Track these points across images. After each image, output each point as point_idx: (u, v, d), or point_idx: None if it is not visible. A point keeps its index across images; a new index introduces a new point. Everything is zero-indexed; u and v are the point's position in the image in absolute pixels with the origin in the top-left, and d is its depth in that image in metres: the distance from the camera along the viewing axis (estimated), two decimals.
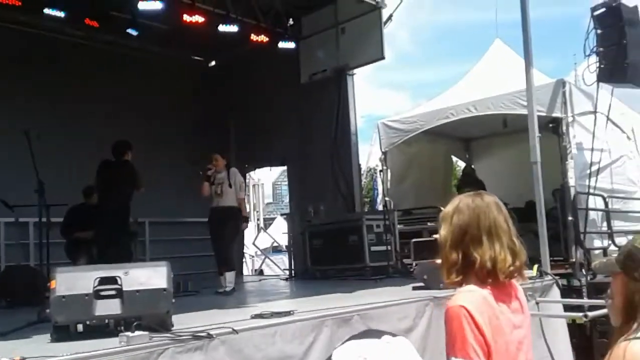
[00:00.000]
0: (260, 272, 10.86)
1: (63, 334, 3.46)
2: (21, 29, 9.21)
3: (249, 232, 12.74)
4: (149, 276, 3.64)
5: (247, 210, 7.08)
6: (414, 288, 5.50)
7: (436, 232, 2.17)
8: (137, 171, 6.54)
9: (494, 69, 9.52)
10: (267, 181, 36.63)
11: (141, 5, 8.55)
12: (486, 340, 1.79)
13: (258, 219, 31.80)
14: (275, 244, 13.26)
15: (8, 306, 5.88)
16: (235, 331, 3.49)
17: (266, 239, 13.57)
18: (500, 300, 1.90)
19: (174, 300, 3.64)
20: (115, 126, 9.88)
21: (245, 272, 11.18)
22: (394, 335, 1.90)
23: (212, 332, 3.38)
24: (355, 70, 9.68)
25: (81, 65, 9.78)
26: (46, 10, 8.69)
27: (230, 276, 6.75)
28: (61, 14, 8.82)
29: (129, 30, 9.46)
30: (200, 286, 7.09)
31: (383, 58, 9.12)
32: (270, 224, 22.81)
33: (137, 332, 3.26)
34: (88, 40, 10.06)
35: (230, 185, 6.79)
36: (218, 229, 6.80)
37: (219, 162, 6.94)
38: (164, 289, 3.58)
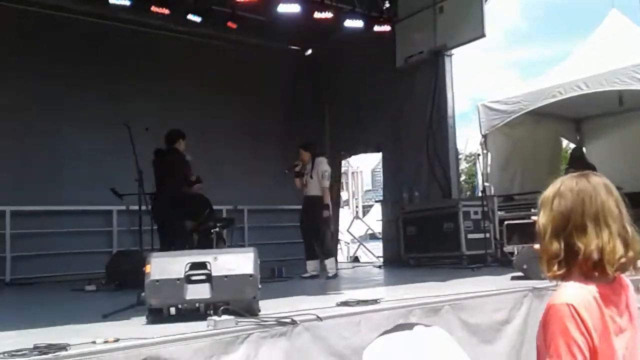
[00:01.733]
0: (355, 259, 10.84)
1: (157, 316, 3.63)
2: (126, 27, 9.72)
3: (345, 219, 12.79)
4: (237, 262, 3.71)
5: (329, 198, 7.20)
6: (513, 278, 5.23)
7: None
8: (184, 159, 6.52)
9: (608, 42, 8.77)
10: (366, 168, 36.58)
11: None
12: (594, 344, 1.57)
13: (357, 206, 31.96)
14: (370, 231, 13.18)
15: (117, 288, 6.29)
16: (319, 318, 3.48)
17: (363, 226, 13.54)
18: (608, 299, 1.64)
19: (260, 286, 3.69)
20: (214, 118, 10.30)
21: (340, 258, 11.22)
22: (427, 326, 1.73)
23: (296, 319, 3.40)
24: (454, 51, 9.29)
25: (183, 59, 10.20)
26: (153, 8, 9.08)
27: (331, 262, 7.04)
28: (166, 11, 9.19)
29: (229, 24, 9.72)
30: (294, 272, 7.19)
31: (484, 36, 8.65)
32: (368, 211, 22.76)
33: (223, 317, 3.35)
34: (190, 35, 10.46)
35: (312, 176, 7.06)
36: (304, 217, 7.21)
37: (303, 155, 7.26)
38: (251, 275, 3.64)
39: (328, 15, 9.17)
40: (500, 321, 4.17)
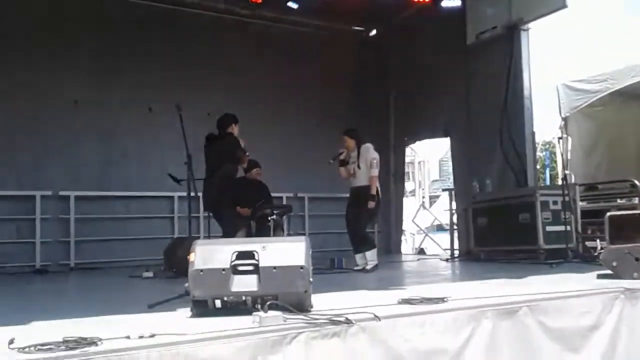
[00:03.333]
0: (420, 251, 10.32)
1: (202, 308, 3.35)
2: (189, 10, 9.60)
3: (410, 210, 12.28)
4: (287, 252, 3.37)
5: (377, 188, 6.66)
6: (599, 276, 4.65)
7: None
8: (238, 144, 6.20)
9: None
10: (434, 158, 35.55)
11: None
12: None
13: (423, 197, 31.13)
14: (437, 222, 12.59)
15: (174, 276, 6.13)
16: (377, 318, 3.09)
17: (430, 217, 12.98)
18: None
19: (311, 279, 3.33)
20: (276, 103, 10.06)
21: (405, 250, 10.76)
22: None
23: (352, 318, 3.02)
24: (531, 25, 8.53)
25: (245, 43, 9.98)
26: None
27: (371, 254, 6.58)
28: None
29: (290, 4, 9.44)
30: (354, 264, 6.81)
31: (565, 7, 7.84)
32: (435, 202, 22.05)
33: (270, 312, 3.02)
34: (251, 18, 10.25)
35: (359, 166, 6.61)
36: (350, 208, 6.74)
37: (348, 142, 6.80)
38: (302, 267, 3.28)
39: None
40: (587, 326, 3.63)
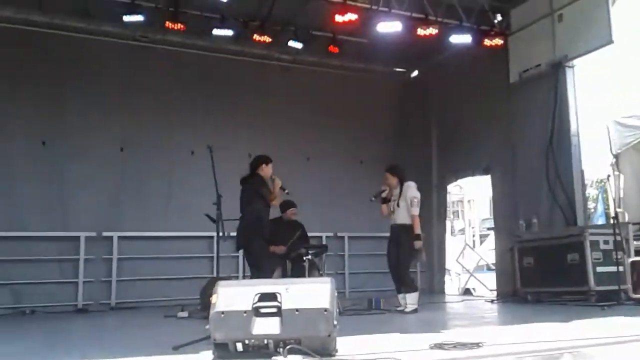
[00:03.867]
0: (466, 292, 9.93)
1: (224, 351, 3.28)
2: (230, 57, 9.84)
3: (455, 249, 11.90)
4: (311, 294, 3.27)
5: (419, 227, 6.59)
6: None
7: None
8: (264, 183, 6.20)
9: None
10: (485, 196, 34.74)
11: (338, 18, 8.44)
12: None
13: (473, 235, 30.29)
14: (482, 262, 12.14)
15: (208, 316, 6.06)
16: None
17: (476, 256, 12.54)
18: None
19: (336, 323, 3.20)
20: (319, 143, 10.10)
21: (451, 290, 10.38)
22: None
23: None
24: (575, 62, 8.30)
25: (287, 87, 10.12)
26: (255, 37, 9.10)
27: (411, 298, 6.44)
28: (267, 39, 9.17)
29: (330, 48, 9.54)
30: (394, 305, 6.59)
31: (611, 42, 7.60)
32: (484, 241, 21.38)
33: (290, 357, 2.92)
34: (293, 63, 10.41)
35: (398, 204, 6.55)
36: (391, 247, 6.66)
37: (389, 180, 6.79)
38: (325, 309, 3.17)
39: (432, 31, 8.60)
40: None
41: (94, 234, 8.45)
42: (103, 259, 8.49)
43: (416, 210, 6.50)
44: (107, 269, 8.47)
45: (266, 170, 6.23)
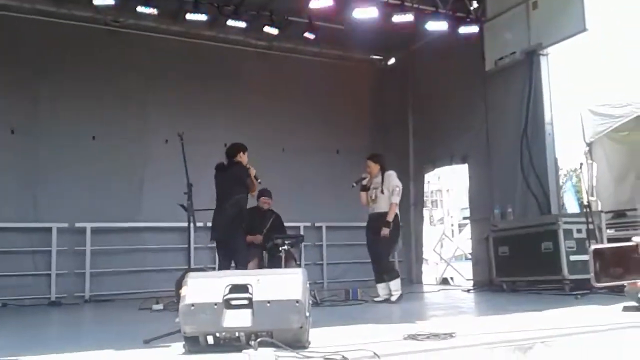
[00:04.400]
0: (443, 281, 9.99)
1: (194, 345, 3.21)
2: (206, 43, 9.68)
3: (433, 238, 11.98)
4: (282, 285, 3.21)
5: (396, 214, 6.48)
6: (625, 309, 4.34)
7: None
8: (247, 172, 6.08)
9: None
10: (464, 185, 35.11)
11: (313, 4, 8.34)
12: None
13: (452, 224, 30.59)
14: (459, 252, 12.23)
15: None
16: (377, 355, 2.89)
17: (454, 246, 12.64)
18: None
19: (308, 314, 3.16)
20: (294, 132, 10.01)
21: (428, 280, 10.43)
22: None
23: (348, 356, 2.84)
24: (550, 50, 8.33)
25: (262, 74, 10.01)
26: (229, 22, 8.98)
27: (394, 284, 6.39)
28: (242, 24, 9.06)
29: (306, 34, 9.43)
30: (371, 294, 6.58)
31: (585, 30, 7.64)
32: (462, 230, 21.60)
33: (261, 350, 2.87)
34: (268, 49, 10.30)
35: (382, 191, 6.46)
36: (370, 235, 6.59)
37: (371, 167, 6.68)
38: (297, 301, 3.12)
39: (408, 18, 8.61)
40: None
41: (66, 224, 8.29)
42: (76, 250, 8.33)
43: (397, 199, 6.46)
44: (81, 260, 8.31)
45: (243, 159, 6.13)
